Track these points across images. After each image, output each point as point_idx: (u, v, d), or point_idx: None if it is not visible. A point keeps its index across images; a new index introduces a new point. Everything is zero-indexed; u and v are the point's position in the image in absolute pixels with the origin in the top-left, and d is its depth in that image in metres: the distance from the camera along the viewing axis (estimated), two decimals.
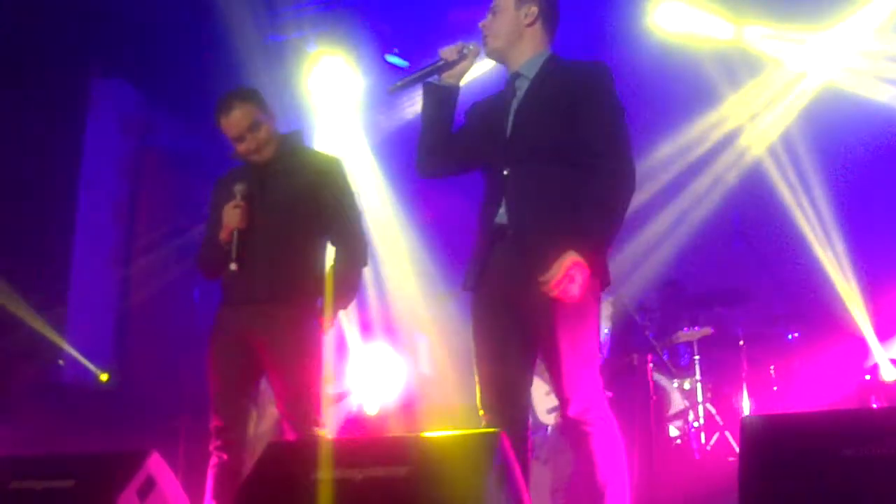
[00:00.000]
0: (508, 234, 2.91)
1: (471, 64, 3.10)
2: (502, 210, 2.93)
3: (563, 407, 2.88)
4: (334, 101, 7.47)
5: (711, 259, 6.53)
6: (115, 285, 7.07)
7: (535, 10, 3.07)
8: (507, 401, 2.93)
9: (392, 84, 3.13)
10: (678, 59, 6.79)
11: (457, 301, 5.91)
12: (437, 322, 6.86)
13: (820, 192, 6.44)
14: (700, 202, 6.90)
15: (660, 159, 7.02)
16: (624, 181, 2.86)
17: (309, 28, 7.13)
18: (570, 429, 2.92)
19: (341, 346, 6.55)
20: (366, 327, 6.84)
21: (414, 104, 7.73)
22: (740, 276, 6.10)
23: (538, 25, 3.10)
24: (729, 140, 6.97)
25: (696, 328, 5.61)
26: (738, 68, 6.86)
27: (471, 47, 3.08)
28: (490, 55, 3.13)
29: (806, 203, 6.47)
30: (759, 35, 6.75)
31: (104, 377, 6.43)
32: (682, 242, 6.83)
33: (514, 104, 3.04)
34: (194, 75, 6.64)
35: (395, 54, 7.20)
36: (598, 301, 2.96)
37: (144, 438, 5.03)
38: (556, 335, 2.81)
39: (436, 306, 6.83)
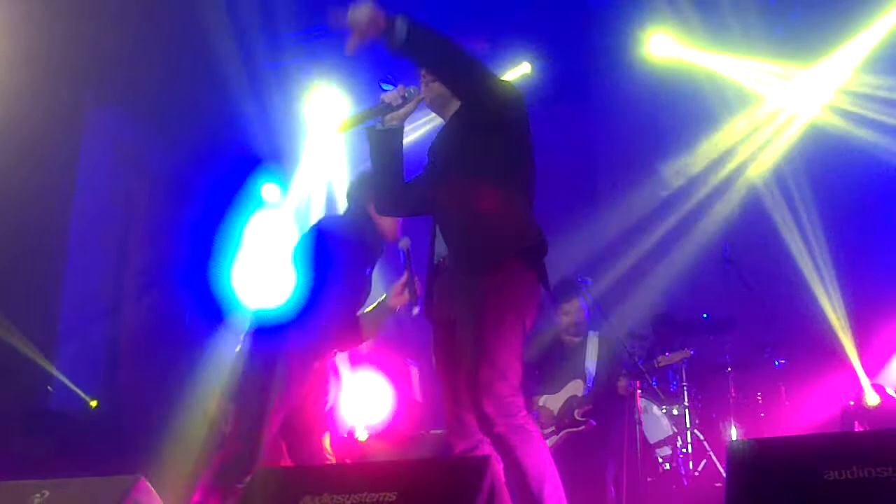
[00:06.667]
0: (441, 262, 3.08)
1: (413, 108, 3.22)
2: (437, 240, 3.12)
3: (480, 423, 2.87)
4: (329, 128, 7.54)
5: (700, 287, 6.57)
6: (105, 312, 7.07)
7: None
8: (465, 425, 2.97)
9: (337, 125, 3.32)
10: (670, 88, 6.89)
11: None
12: (429, 349, 6.85)
13: (808, 220, 6.51)
14: (690, 230, 6.95)
15: (649, 187, 7.09)
16: (497, 205, 3.00)
17: (306, 55, 7.20)
18: (494, 443, 2.90)
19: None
20: (355, 355, 6.85)
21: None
22: (729, 304, 6.14)
23: None
24: (719, 169, 7.04)
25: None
26: (729, 99, 6.95)
27: (412, 90, 3.21)
28: (433, 100, 3.24)
29: (795, 231, 6.53)
30: (748, 69, 6.86)
31: (93, 403, 6.40)
32: (671, 270, 6.87)
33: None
34: (189, 102, 6.70)
35: (391, 81, 7.26)
36: (519, 316, 2.97)
37: (133, 465, 5.02)
38: (474, 349, 2.87)
39: (427, 333, 6.82)
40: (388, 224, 3.91)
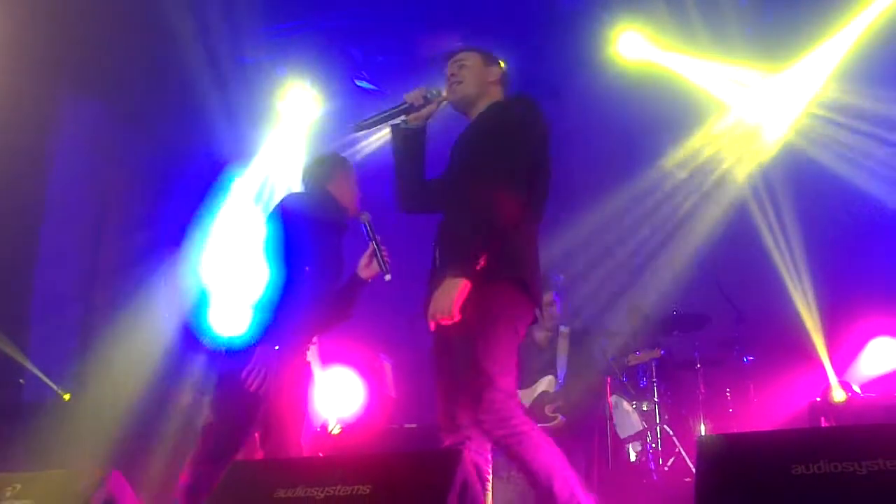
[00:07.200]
0: (436, 268, 3.08)
1: (435, 108, 3.28)
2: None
3: (479, 431, 2.87)
4: (302, 125, 7.53)
5: (671, 284, 6.63)
6: (79, 303, 6.99)
7: (498, 71, 3.30)
8: (456, 422, 2.99)
9: (358, 121, 3.32)
10: (642, 88, 6.91)
11: (422, 323, 5.93)
12: (402, 344, 6.87)
13: (779, 219, 6.57)
14: (662, 228, 7.01)
15: (622, 186, 7.13)
16: (477, 208, 2.89)
17: (280, 51, 7.16)
18: (497, 448, 2.92)
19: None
20: (327, 351, 6.84)
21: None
22: (698, 302, 6.21)
23: (499, 87, 3.29)
24: (692, 167, 7.09)
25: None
26: (701, 100, 6.97)
27: (434, 92, 3.27)
28: (458, 102, 3.26)
29: (766, 229, 6.59)
30: (719, 71, 6.88)
31: (66, 396, 6.33)
32: (643, 267, 6.93)
33: None
34: (164, 96, 6.65)
35: (365, 79, 7.26)
36: (510, 322, 2.95)
37: (106, 457, 4.99)
38: (464, 359, 2.87)
39: (401, 329, 6.84)
40: (347, 199, 3.92)
